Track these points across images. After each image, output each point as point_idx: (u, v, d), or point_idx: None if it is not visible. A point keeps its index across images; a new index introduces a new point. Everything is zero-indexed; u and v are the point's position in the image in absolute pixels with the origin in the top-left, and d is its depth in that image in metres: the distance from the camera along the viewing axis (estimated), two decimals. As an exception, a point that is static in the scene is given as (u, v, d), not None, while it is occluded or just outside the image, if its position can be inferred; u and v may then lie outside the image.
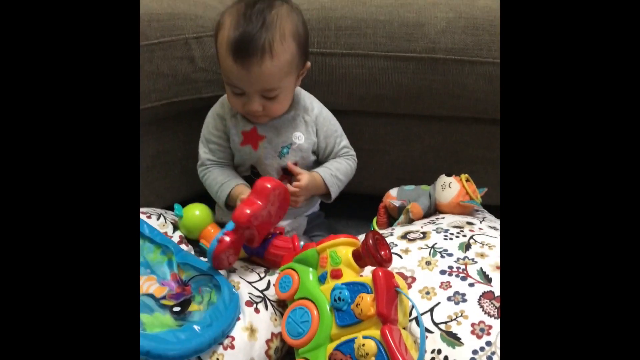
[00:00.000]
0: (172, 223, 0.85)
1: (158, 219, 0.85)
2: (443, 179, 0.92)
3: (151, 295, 0.69)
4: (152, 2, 0.95)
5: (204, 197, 0.93)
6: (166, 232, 0.82)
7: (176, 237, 0.83)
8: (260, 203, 0.73)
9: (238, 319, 0.66)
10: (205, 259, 0.77)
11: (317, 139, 0.93)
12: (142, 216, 0.82)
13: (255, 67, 0.78)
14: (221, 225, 0.83)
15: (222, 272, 0.74)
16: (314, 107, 0.93)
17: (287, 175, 0.94)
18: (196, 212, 0.86)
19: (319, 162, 0.97)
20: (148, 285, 0.70)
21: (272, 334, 0.68)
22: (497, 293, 0.66)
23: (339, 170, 0.92)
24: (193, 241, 0.85)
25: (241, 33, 0.78)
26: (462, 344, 0.62)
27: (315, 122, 0.92)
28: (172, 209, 0.89)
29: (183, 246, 0.80)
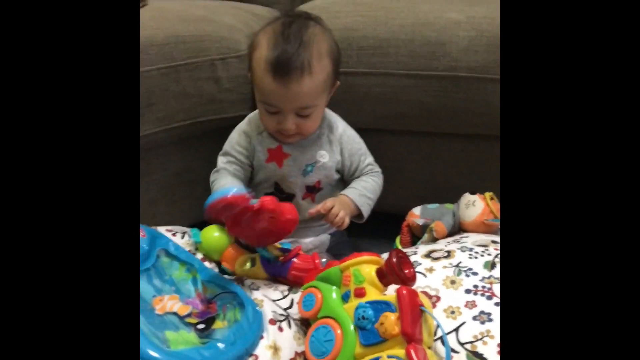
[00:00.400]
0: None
1: (182, 237, 0.86)
2: (467, 197, 0.91)
3: (175, 314, 0.69)
4: (178, 24, 0.98)
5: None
6: (190, 250, 0.83)
7: (200, 254, 0.83)
8: (286, 215, 0.74)
9: (261, 337, 0.66)
10: (229, 277, 0.77)
11: (342, 158, 0.93)
12: (167, 234, 0.83)
13: (295, 84, 0.80)
14: (241, 244, 0.83)
15: (246, 289, 0.74)
16: (338, 126, 0.94)
17: (311, 193, 0.94)
18: (215, 233, 0.83)
19: (343, 181, 0.97)
20: (172, 303, 0.70)
21: (296, 352, 0.68)
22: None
23: (366, 189, 0.93)
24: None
25: (280, 52, 0.79)
26: (488, 364, 0.61)
27: (340, 141, 0.93)
28: (196, 226, 0.89)
29: (207, 264, 0.81)
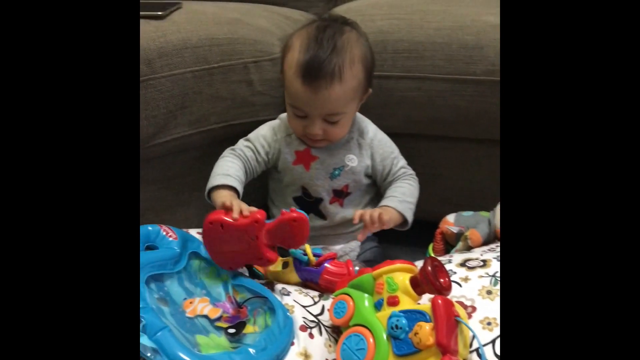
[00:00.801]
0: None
1: (214, 239, 0.86)
2: (503, 205, 0.88)
3: (205, 317, 0.69)
4: (213, 27, 0.98)
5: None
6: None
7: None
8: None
9: (292, 343, 0.65)
10: (260, 281, 0.77)
11: (373, 162, 0.92)
12: (198, 236, 0.83)
13: (324, 90, 0.79)
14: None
15: (276, 294, 0.73)
16: (368, 130, 0.93)
17: (339, 197, 0.93)
18: None
19: (374, 185, 0.96)
20: (202, 306, 0.70)
21: (327, 360, 0.67)
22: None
23: (404, 195, 0.91)
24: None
25: (312, 56, 0.79)
26: (526, 379, 0.59)
27: (370, 145, 0.92)
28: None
29: (237, 267, 0.80)
